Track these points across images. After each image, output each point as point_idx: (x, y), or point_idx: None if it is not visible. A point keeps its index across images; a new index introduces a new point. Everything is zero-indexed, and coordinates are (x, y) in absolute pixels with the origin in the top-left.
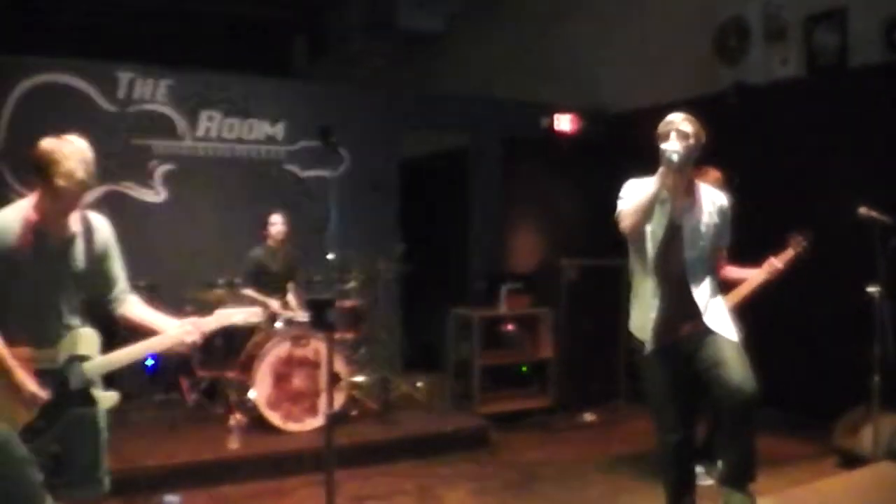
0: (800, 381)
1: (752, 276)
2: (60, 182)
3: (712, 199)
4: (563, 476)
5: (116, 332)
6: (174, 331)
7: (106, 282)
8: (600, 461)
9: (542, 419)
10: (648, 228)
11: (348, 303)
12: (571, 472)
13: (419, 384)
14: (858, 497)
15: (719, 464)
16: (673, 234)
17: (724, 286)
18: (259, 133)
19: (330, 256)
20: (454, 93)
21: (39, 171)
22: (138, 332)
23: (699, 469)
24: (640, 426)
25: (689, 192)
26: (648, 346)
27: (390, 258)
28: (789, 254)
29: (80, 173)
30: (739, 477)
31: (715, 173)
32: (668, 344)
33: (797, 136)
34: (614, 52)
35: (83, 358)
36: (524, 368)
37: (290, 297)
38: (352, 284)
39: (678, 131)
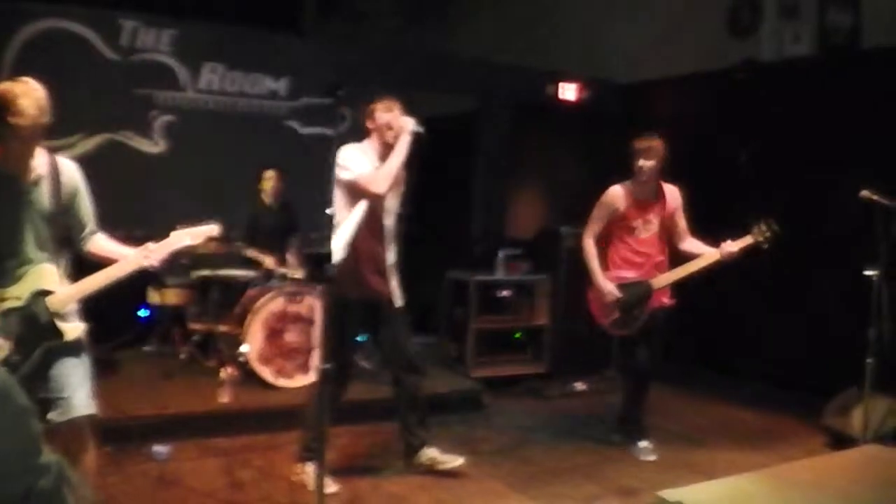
0: (796, 360)
1: (704, 255)
2: (12, 120)
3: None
4: (554, 443)
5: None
6: (132, 256)
7: (76, 222)
8: (591, 430)
9: (534, 385)
10: None
11: None
12: (562, 440)
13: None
14: (848, 477)
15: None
16: None
17: (678, 258)
18: (262, 88)
19: (329, 211)
20: (465, 56)
21: None
22: (105, 265)
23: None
24: None
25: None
26: None
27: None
28: (747, 241)
29: (32, 110)
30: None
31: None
32: None
33: (806, 114)
34: (625, 23)
35: (47, 293)
36: (518, 334)
37: (289, 256)
38: None
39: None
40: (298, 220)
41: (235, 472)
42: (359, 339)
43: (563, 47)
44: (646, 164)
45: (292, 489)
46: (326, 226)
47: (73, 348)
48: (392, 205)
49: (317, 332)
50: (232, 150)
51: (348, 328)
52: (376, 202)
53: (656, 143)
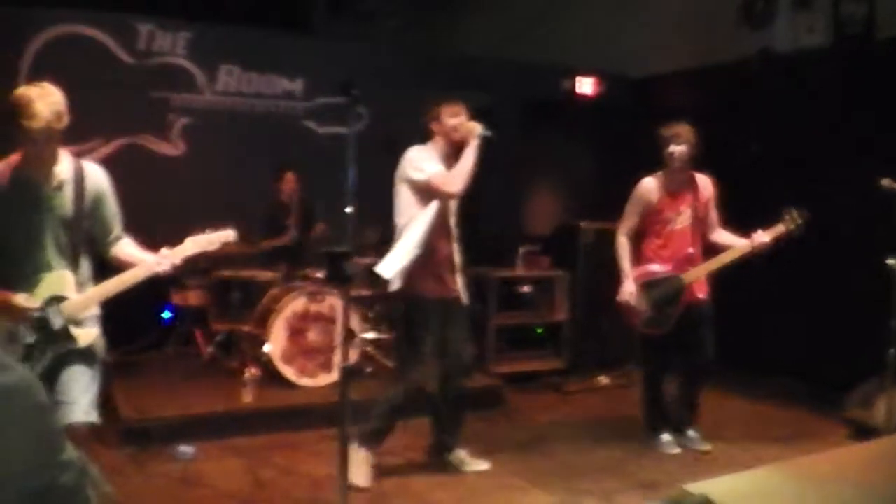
0: (816, 352)
1: (735, 247)
2: (27, 123)
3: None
4: (574, 438)
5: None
6: (146, 262)
7: (101, 227)
8: (612, 425)
9: (555, 381)
10: None
11: (365, 259)
12: (583, 435)
13: None
14: (870, 468)
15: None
16: None
17: (710, 250)
18: (278, 88)
19: (348, 210)
20: (475, 54)
21: (13, 118)
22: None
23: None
24: None
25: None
26: None
27: None
28: (779, 229)
29: (46, 114)
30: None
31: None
32: None
33: (821, 105)
34: (638, 16)
35: (61, 298)
36: (539, 330)
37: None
38: (369, 241)
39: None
40: (316, 215)
41: (258, 472)
42: None
43: (574, 43)
44: (676, 149)
45: (315, 487)
46: (344, 225)
47: (86, 355)
48: (454, 206)
49: (338, 331)
50: (250, 151)
51: (432, 326)
52: (447, 202)
53: (684, 128)
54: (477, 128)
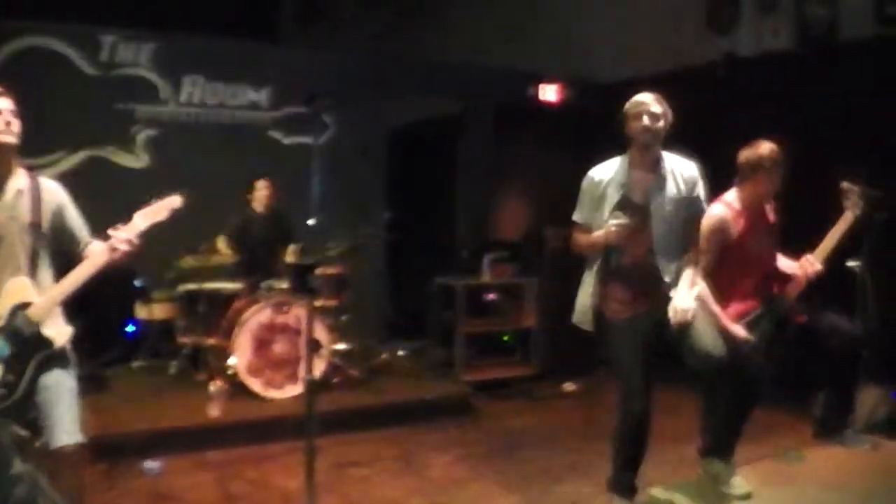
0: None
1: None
2: None
3: (681, 171)
4: (545, 443)
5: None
6: (100, 250)
7: (70, 238)
8: (582, 429)
9: (524, 387)
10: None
11: (331, 269)
12: (554, 439)
13: (400, 352)
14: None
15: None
16: (637, 214)
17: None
18: (243, 99)
19: (310, 222)
20: (446, 60)
21: None
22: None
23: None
24: None
25: (656, 170)
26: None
27: (376, 225)
28: (845, 221)
29: None
30: (719, 447)
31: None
32: (636, 315)
33: (786, 108)
34: (606, 22)
35: (25, 305)
36: (507, 337)
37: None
38: (335, 251)
39: (650, 113)
40: (292, 230)
41: (228, 485)
42: None
43: (544, 49)
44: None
45: (285, 500)
46: (310, 235)
47: (62, 358)
48: None
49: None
50: (216, 163)
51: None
52: None
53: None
54: None
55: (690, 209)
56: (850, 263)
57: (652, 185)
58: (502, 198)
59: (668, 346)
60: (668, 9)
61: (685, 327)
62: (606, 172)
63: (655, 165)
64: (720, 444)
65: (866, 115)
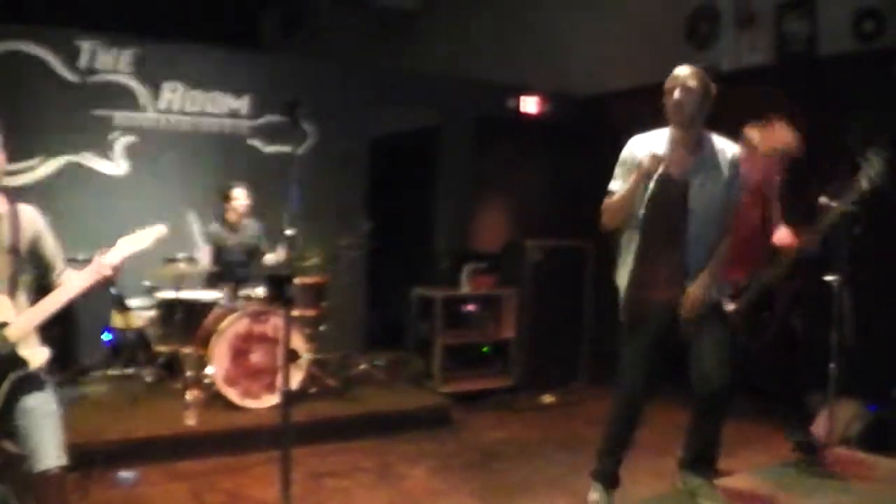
0: (763, 366)
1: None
2: None
3: (723, 153)
4: (523, 455)
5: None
6: (82, 274)
7: (45, 264)
8: (561, 441)
9: (503, 399)
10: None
11: (309, 279)
12: (532, 452)
13: (376, 362)
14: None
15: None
16: (675, 192)
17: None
18: (223, 106)
19: (288, 232)
20: (427, 71)
21: None
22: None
23: None
24: (600, 407)
25: (697, 151)
26: (624, 304)
27: (356, 235)
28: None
29: None
30: (701, 463)
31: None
32: (655, 302)
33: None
34: (586, 35)
35: (2, 325)
36: (485, 349)
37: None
38: (314, 261)
39: (684, 87)
40: (264, 241)
41: (203, 496)
42: None
43: (524, 62)
44: None
45: None
46: (288, 245)
47: (38, 380)
48: None
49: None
50: (194, 171)
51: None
52: None
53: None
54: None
55: (730, 193)
56: (828, 277)
57: (693, 165)
58: (482, 209)
59: (677, 345)
60: (647, 23)
61: (694, 336)
62: (648, 144)
63: (697, 146)
64: (699, 458)
65: (842, 130)
